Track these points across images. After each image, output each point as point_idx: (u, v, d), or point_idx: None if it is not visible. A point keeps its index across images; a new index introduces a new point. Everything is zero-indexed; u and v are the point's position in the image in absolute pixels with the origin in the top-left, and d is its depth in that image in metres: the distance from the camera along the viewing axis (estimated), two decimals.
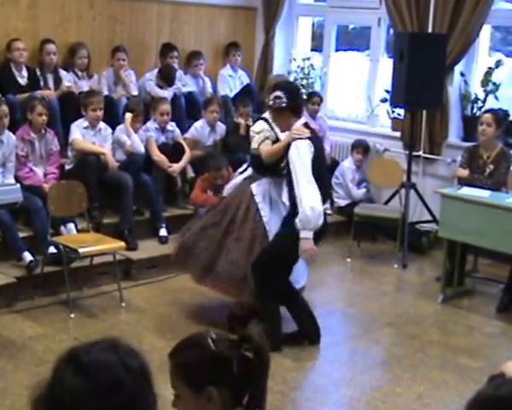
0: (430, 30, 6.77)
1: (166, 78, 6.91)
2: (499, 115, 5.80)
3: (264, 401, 1.89)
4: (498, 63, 6.73)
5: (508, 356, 2.78)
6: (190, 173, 6.55)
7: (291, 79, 7.99)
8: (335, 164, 7.27)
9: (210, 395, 1.80)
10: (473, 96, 6.84)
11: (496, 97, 6.72)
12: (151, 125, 6.38)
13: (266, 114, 4.69)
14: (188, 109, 7.01)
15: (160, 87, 6.90)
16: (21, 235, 5.29)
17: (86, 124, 5.94)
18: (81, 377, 1.32)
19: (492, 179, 5.67)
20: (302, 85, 7.92)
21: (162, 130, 6.43)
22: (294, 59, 8.05)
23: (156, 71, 7.00)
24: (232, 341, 1.86)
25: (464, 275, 5.86)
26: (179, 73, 7.20)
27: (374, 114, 7.54)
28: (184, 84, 7.20)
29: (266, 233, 4.56)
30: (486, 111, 5.98)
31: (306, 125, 4.47)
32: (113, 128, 6.17)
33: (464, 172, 5.82)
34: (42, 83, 6.31)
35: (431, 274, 6.11)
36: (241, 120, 6.80)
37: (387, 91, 6.93)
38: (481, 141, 5.79)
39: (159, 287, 5.60)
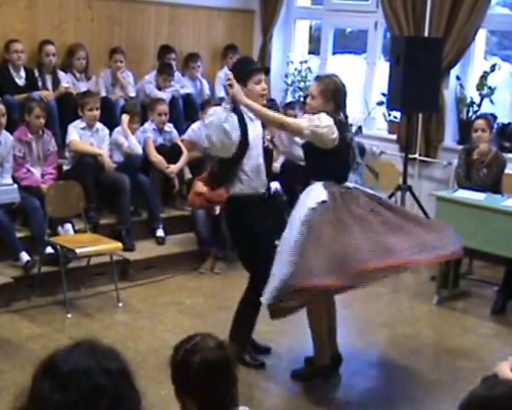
0: (426, 34, 6.80)
1: (166, 72, 6.94)
2: (491, 120, 5.88)
3: (235, 405, 1.95)
4: (494, 67, 6.77)
5: (502, 358, 2.81)
6: (187, 175, 6.57)
7: (288, 81, 8.05)
8: None
9: (183, 402, 1.89)
10: (468, 100, 6.88)
11: (491, 101, 6.76)
12: (149, 126, 6.40)
13: None
14: (185, 111, 7.03)
15: (160, 89, 6.93)
16: (18, 235, 5.30)
17: (84, 125, 5.96)
18: (61, 391, 1.30)
19: (487, 182, 5.71)
20: (299, 88, 7.96)
21: (160, 131, 6.45)
22: (292, 62, 8.08)
23: (155, 73, 7.02)
24: (190, 349, 1.95)
25: (459, 277, 5.91)
26: (177, 75, 7.23)
27: (370, 117, 7.56)
28: (182, 85, 7.22)
29: None
30: (478, 117, 6.01)
31: None
32: (111, 130, 6.19)
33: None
34: (40, 84, 6.32)
35: (426, 276, 6.13)
36: None
37: (384, 94, 6.96)
38: (479, 146, 5.80)
39: (155, 287, 5.61)
